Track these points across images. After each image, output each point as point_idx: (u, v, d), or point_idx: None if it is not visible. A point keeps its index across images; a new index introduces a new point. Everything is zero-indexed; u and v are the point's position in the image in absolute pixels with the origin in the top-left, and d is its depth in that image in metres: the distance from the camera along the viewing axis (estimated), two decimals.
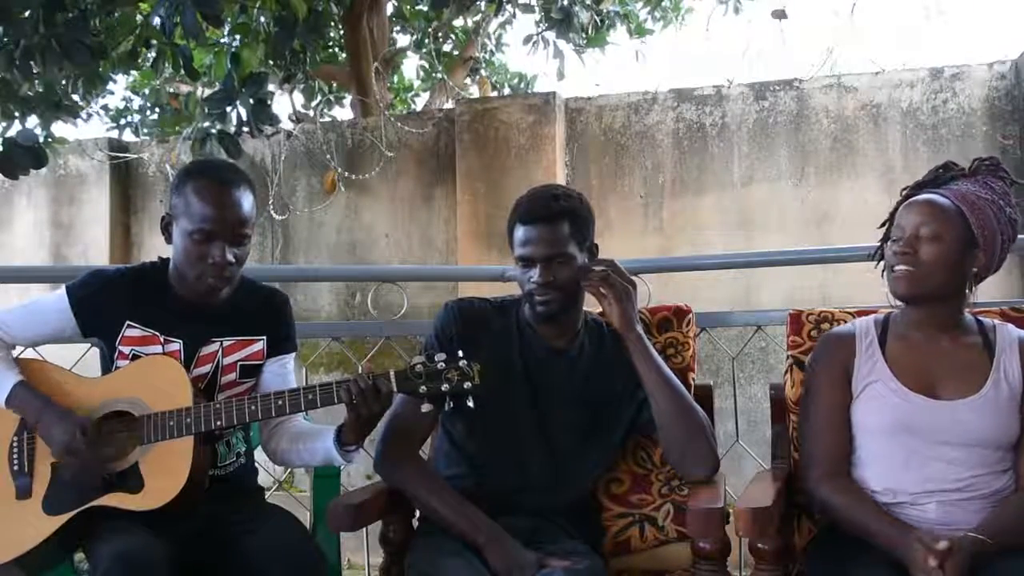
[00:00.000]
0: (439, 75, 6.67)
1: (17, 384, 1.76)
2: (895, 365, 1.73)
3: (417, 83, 8.84)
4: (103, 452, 1.72)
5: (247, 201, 1.79)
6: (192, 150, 4.15)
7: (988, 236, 1.66)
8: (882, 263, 1.79)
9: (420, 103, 8.32)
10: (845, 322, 1.94)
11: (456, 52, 7.64)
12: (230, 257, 1.75)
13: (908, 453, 1.66)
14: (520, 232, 1.81)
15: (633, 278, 1.84)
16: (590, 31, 6.14)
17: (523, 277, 1.82)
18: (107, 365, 1.84)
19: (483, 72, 7.87)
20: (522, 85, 8.66)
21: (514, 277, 1.90)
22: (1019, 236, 1.73)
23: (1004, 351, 1.70)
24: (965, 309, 1.76)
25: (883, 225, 1.80)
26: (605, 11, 6.06)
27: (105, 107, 8.45)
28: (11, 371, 1.78)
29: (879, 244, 1.81)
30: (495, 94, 7.76)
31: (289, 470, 3.20)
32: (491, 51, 8.23)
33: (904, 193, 1.77)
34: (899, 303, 1.76)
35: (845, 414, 1.75)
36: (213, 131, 3.92)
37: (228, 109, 3.82)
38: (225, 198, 1.75)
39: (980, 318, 1.79)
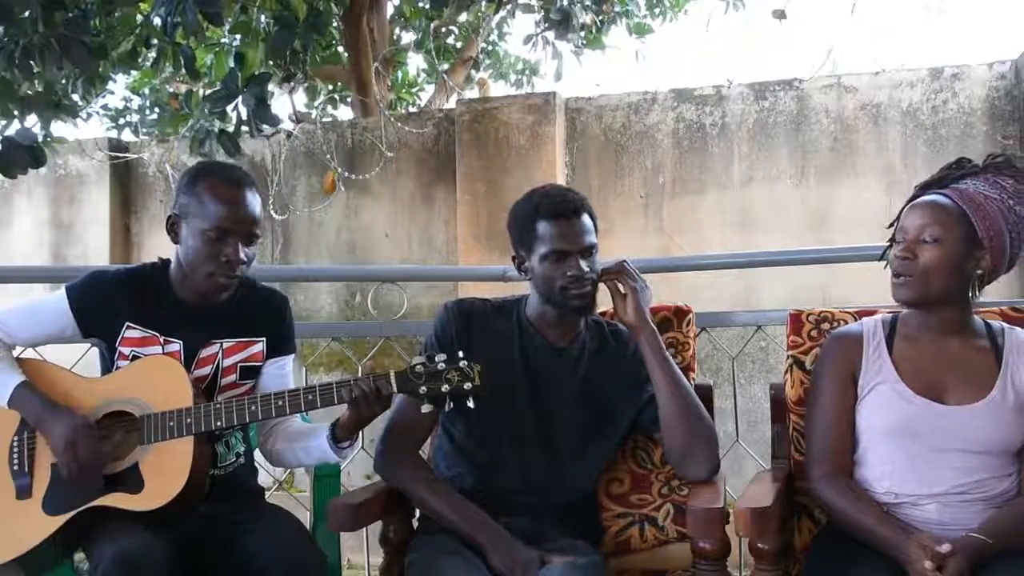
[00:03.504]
0: (442, 69, 6.67)
1: (19, 385, 1.76)
2: (902, 367, 1.71)
3: (420, 78, 8.84)
4: (104, 452, 1.72)
5: (258, 201, 1.82)
6: (191, 149, 4.14)
7: (995, 237, 1.63)
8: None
9: (424, 98, 8.32)
10: (845, 322, 1.93)
11: (459, 46, 7.62)
12: (243, 256, 1.77)
13: (911, 456, 1.66)
14: (550, 227, 1.80)
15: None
16: (592, 31, 6.13)
17: (555, 272, 1.80)
18: (107, 366, 1.84)
19: (486, 62, 7.84)
20: (527, 72, 8.63)
21: (515, 277, 1.89)
22: None
23: (1012, 356, 1.69)
24: (973, 311, 1.74)
25: (891, 226, 1.77)
26: (606, 12, 6.05)
27: (105, 106, 8.46)
28: (14, 372, 1.78)
29: (887, 245, 1.77)
30: (498, 88, 7.74)
31: (289, 470, 3.20)
32: (494, 41, 8.21)
33: (913, 193, 1.75)
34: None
35: (849, 414, 1.74)
36: (213, 129, 3.90)
37: (229, 109, 3.80)
38: (240, 197, 1.78)
39: (989, 321, 1.77)
